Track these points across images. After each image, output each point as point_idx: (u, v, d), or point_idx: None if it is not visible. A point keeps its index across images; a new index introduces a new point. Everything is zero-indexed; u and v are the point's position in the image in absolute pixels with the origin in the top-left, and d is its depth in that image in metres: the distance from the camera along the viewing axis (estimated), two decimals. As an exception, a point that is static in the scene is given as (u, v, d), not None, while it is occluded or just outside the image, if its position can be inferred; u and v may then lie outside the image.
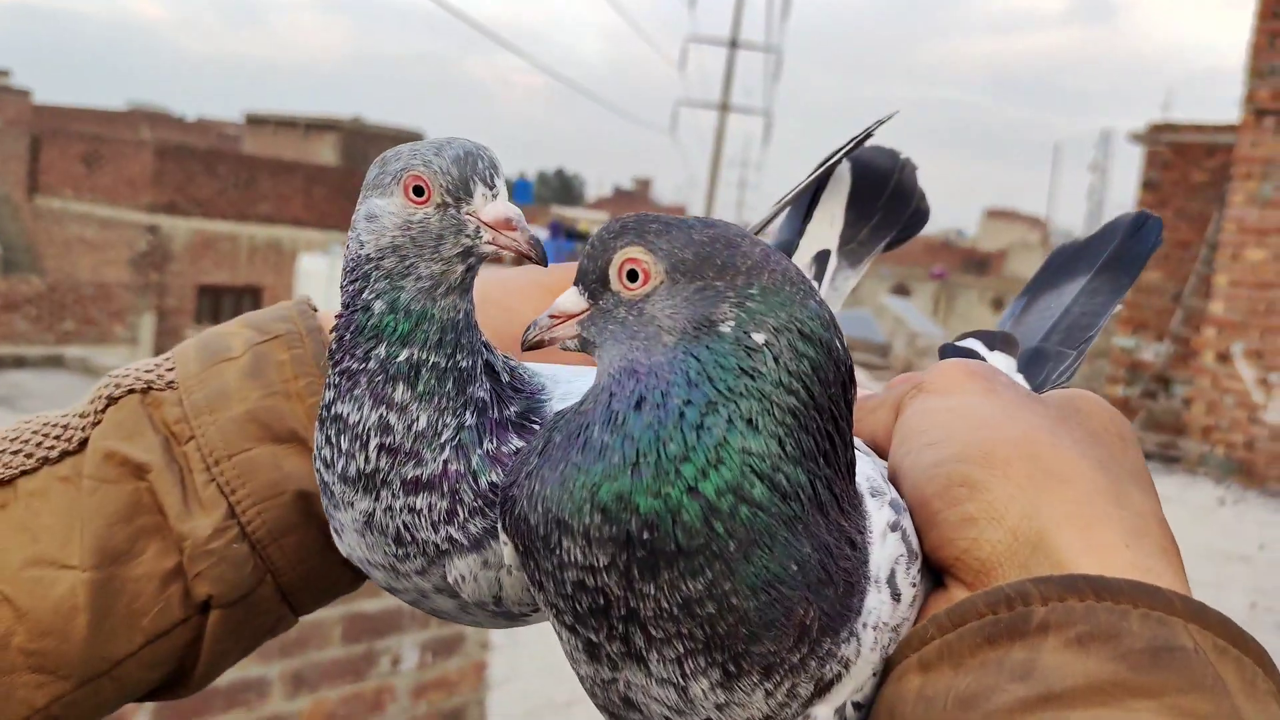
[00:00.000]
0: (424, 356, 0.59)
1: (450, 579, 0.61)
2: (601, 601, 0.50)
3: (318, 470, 0.62)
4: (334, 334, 0.60)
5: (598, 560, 0.50)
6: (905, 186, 0.89)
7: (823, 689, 0.52)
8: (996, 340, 0.76)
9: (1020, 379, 0.72)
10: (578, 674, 0.55)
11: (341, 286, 0.61)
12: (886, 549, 0.54)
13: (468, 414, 0.60)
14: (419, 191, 0.58)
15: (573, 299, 0.57)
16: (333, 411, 0.60)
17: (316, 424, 0.62)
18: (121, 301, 18.46)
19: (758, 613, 0.49)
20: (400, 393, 0.58)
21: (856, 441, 0.61)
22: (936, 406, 0.59)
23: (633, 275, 0.55)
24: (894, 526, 0.55)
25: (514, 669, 4.39)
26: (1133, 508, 0.51)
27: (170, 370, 0.69)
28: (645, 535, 0.49)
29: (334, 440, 0.60)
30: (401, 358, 0.59)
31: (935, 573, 0.55)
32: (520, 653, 4.41)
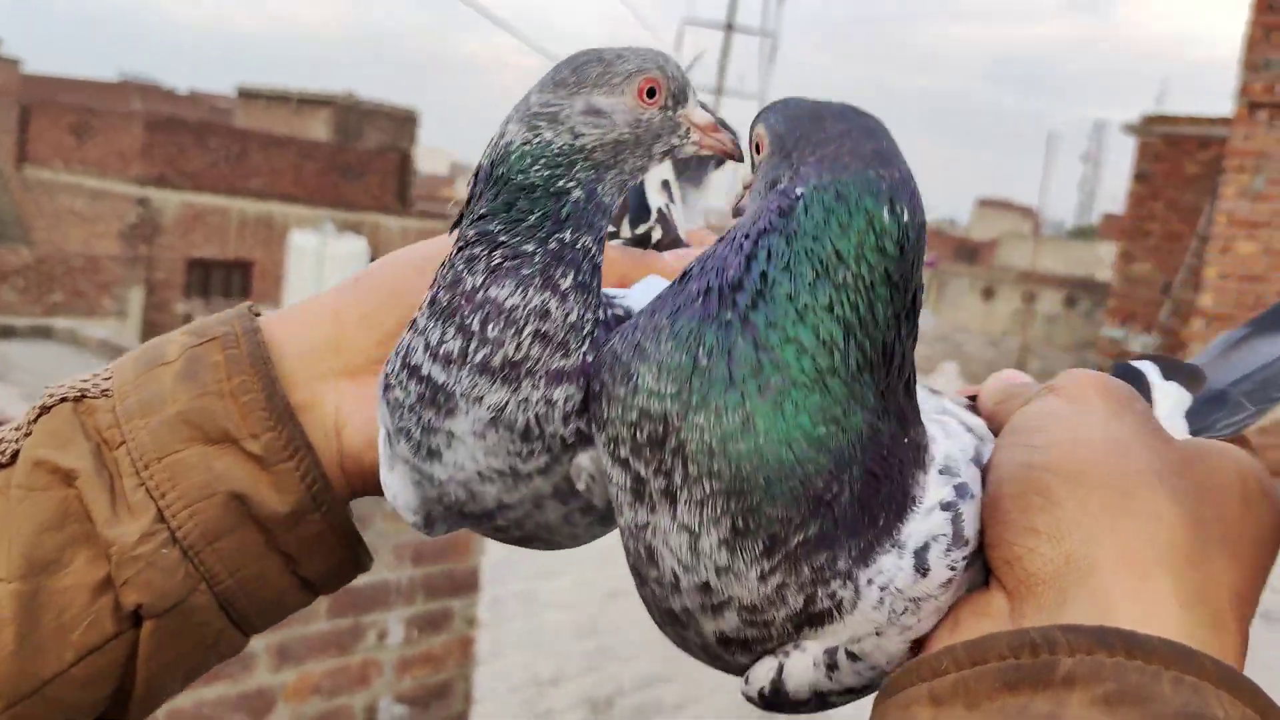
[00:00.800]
0: (592, 247, 0.61)
1: (573, 473, 0.62)
2: (660, 430, 0.52)
3: (422, 374, 0.61)
4: (484, 216, 0.61)
5: (666, 387, 0.52)
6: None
7: (814, 618, 0.53)
8: (1179, 371, 0.71)
9: (1181, 422, 0.68)
10: (620, 525, 0.57)
11: (506, 173, 0.61)
12: (929, 523, 0.55)
13: (601, 309, 0.62)
14: (651, 93, 0.63)
15: (747, 172, 0.63)
16: (479, 296, 0.59)
17: (427, 320, 0.62)
18: (110, 274, 18.39)
19: (779, 464, 0.51)
20: (569, 280, 0.60)
21: (975, 422, 0.64)
22: (1055, 411, 0.57)
23: (758, 146, 0.61)
24: (946, 506, 0.55)
25: (500, 645, 4.41)
26: (1209, 573, 0.49)
27: (107, 379, 0.68)
28: (705, 362, 0.52)
29: (475, 328, 0.60)
30: (580, 245, 0.60)
31: (987, 570, 0.55)
32: (506, 629, 4.43)
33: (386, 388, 0.64)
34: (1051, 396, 0.59)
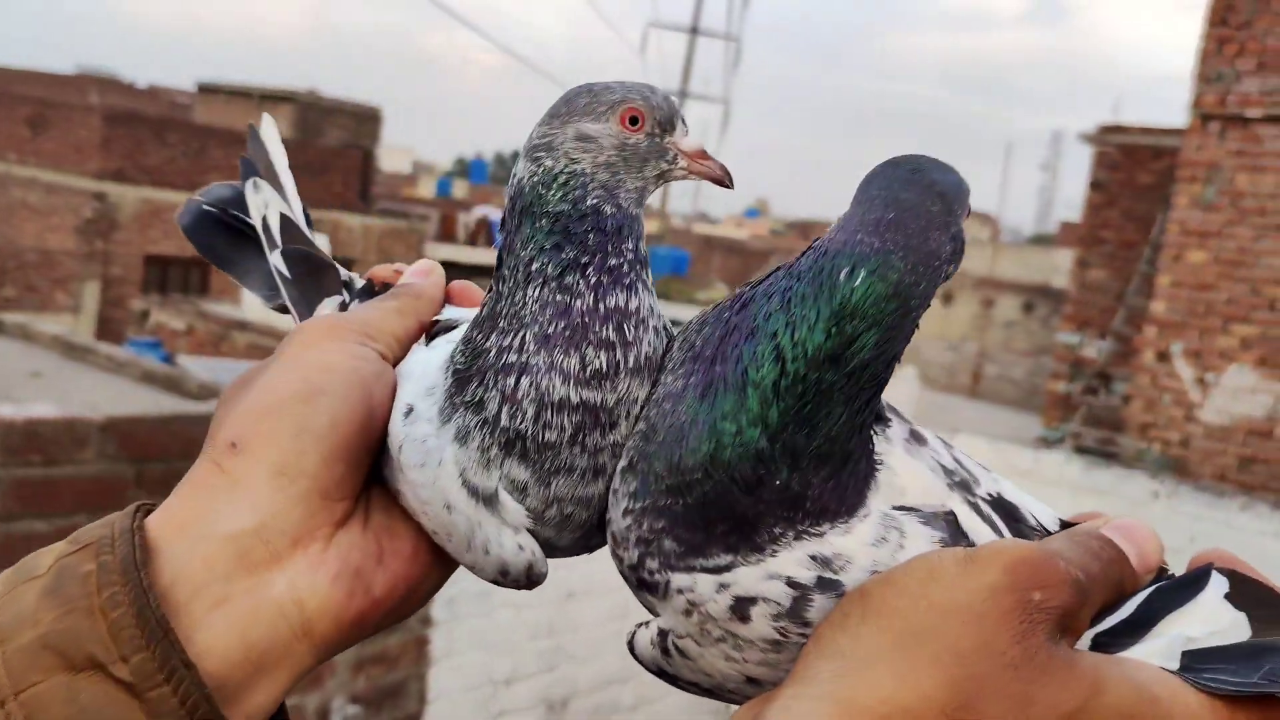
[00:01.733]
0: (643, 251, 0.67)
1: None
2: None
3: (573, 402, 0.63)
4: (552, 248, 0.65)
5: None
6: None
7: (643, 584, 0.61)
8: (1256, 603, 0.57)
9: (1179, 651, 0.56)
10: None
11: (528, 205, 0.66)
12: (764, 585, 0.58)
13: None
14: (634, 121, 0.67)
15: None
16: (603, 308, 0.64)
17: (548, 354, 0.64)
18: (66, 269, 18.10)
19: (696, 444, 0.57)
20: (649, 279, 0.68)
21: (1037, 511, 0.64)
22: (929, 571, 0.55)
23: None
24: (793, 584, 0.58)
25: (454, 645, 4.39)
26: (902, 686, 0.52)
27: None
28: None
29: (614, 337, 0.64)
30: (642, 250, 0.67)
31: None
32: (461, 628, 4.42)
33: (525, 439, 0.65)
34: (958, 551, 0.57)
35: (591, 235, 0.65)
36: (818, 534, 0.57)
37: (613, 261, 0.65)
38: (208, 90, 26.52)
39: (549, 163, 0.66)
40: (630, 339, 0.65)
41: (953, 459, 0.65)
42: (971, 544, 0.59)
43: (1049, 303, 19.23)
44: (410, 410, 0.70)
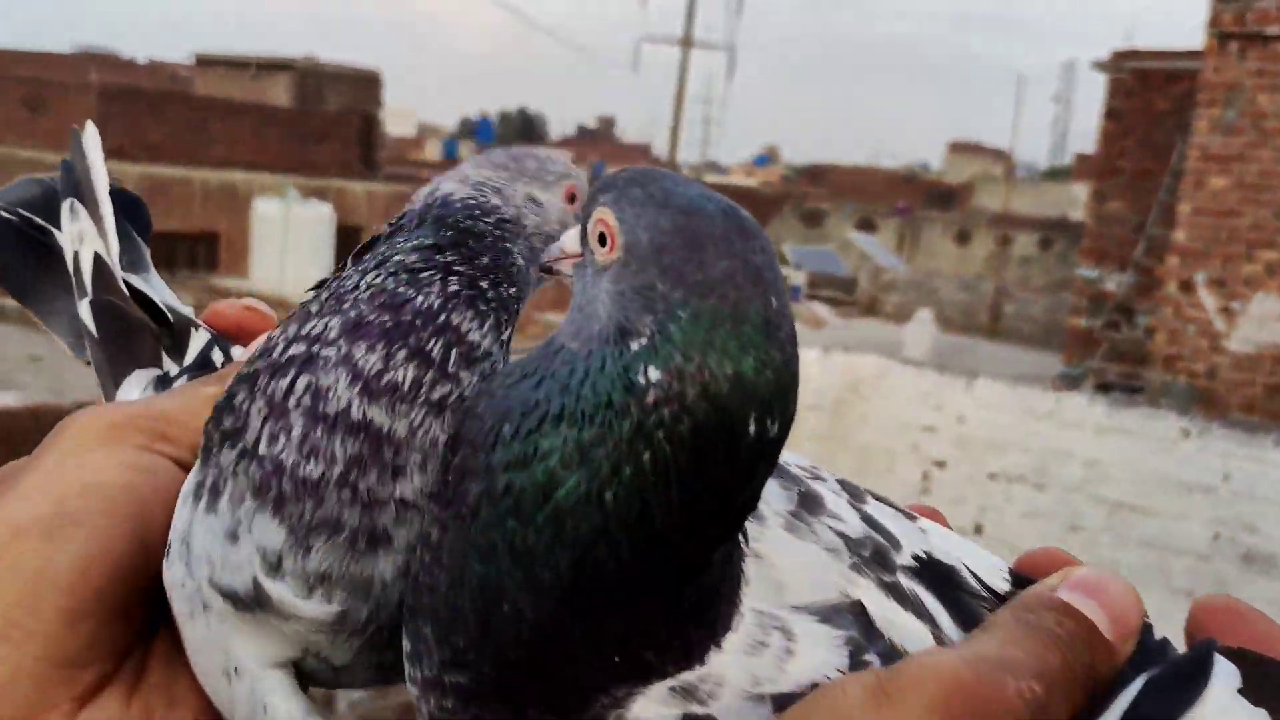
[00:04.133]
0: (515, 318, 0.58)
1: None
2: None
3: (353, 420, 0.50)
4: (430, 246, 0.56)
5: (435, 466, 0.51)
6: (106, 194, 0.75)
7: None
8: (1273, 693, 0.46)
9: None
10: None
11: (445, 215, 0.58)
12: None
13: None
14: (572, 199, 0.63)
15: (573, 239, 0.54)
16: (440, 321, 0.53)
17: (340, 343, 0.51)
18: (71, 250, 18.05)
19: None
20: (507, 334, 0.58)
21: (892, 615, 0.50)
22: (837, 706, 0.43)
23: (602, 239, 0.47)
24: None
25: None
26: None
27: None
28: (451, 474, 0.48)
29: (437, 357, 0.52)
30: (519, 306, 0.58)
31: None
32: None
33: (282, 474, 0.50)
34: (873, 685, 0.42)
35: (486, 258, 0.56)
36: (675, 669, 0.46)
37: (483, 284, 0.55)
38: (206, 62, 26.35)
39: (495, 200, 0.60)
40: (450, 370, 0.51)
41: (860, 520, 0.53)
42: (887, 648, 0.48)
43: (1066, 237, 19.00)
44: (170, 546, 0.54)
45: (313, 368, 0.50)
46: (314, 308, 0.53)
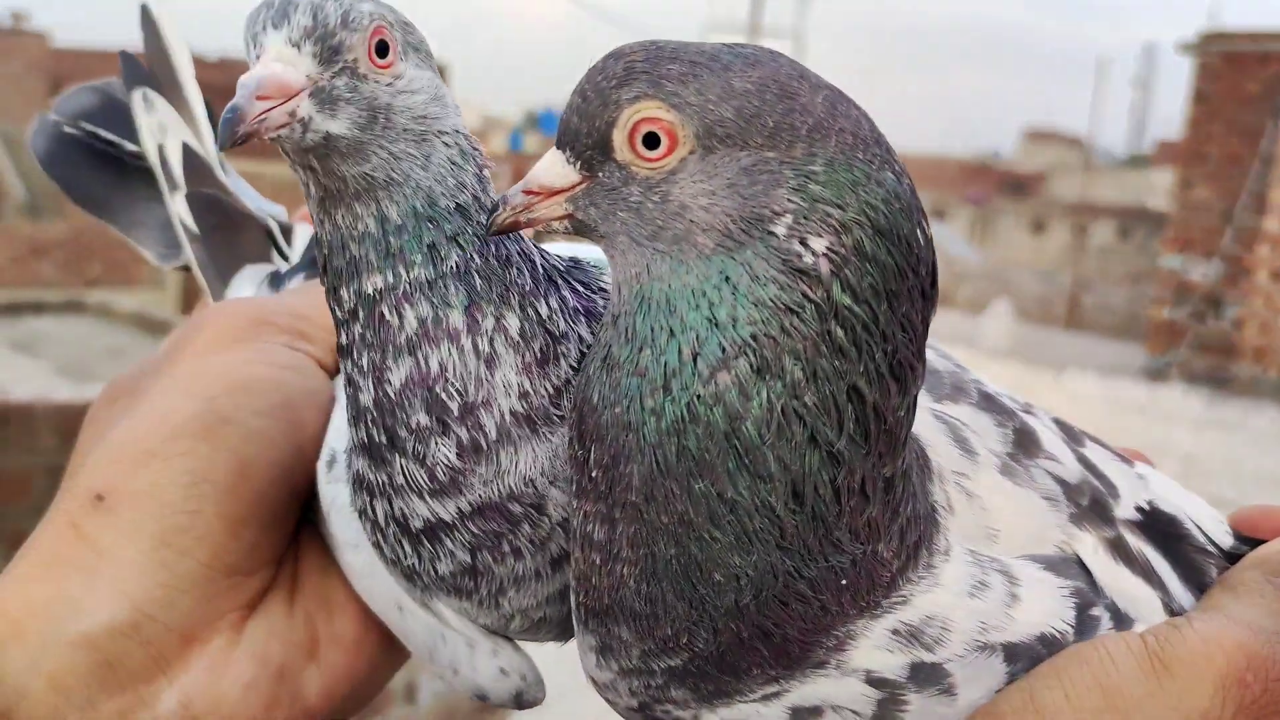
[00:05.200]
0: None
1: None
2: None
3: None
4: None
5: (568, 464, 0.47)
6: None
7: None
8: None
9: None
10: None
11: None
12: (838, 687, 0.42)
13: None
14: (383, 50, 0.49)
15: (557, 169, 0.44)
16: (419, 371, 0.48)
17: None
18: (147, 244, 18.45)
19: (634, 598, 0.43)
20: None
21: (1116, 578, 0.46)
22: (1116, 691, 0.39)
23: (651, 141, 0.41)
24: (876, 682, 0.42)
25: None
26: None
27: None
28: (594, 469, 0.43)
29: (424, 414, 0.47)
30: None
31: None
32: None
33: (419, 575, 0.48)
34: (1144, 654, 0.39)
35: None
36: (897, 600, 0.43)
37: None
38: (276, 58, 26.84)
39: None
40: (471, 399, 0.45)
41: (1078, 463, 0.49)
42: (1111, 606, 0.44)
43: (1146, 225, 18.58)
44: (333, 459, 0.51)
45: (384, 498, 0.48)
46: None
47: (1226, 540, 0.51)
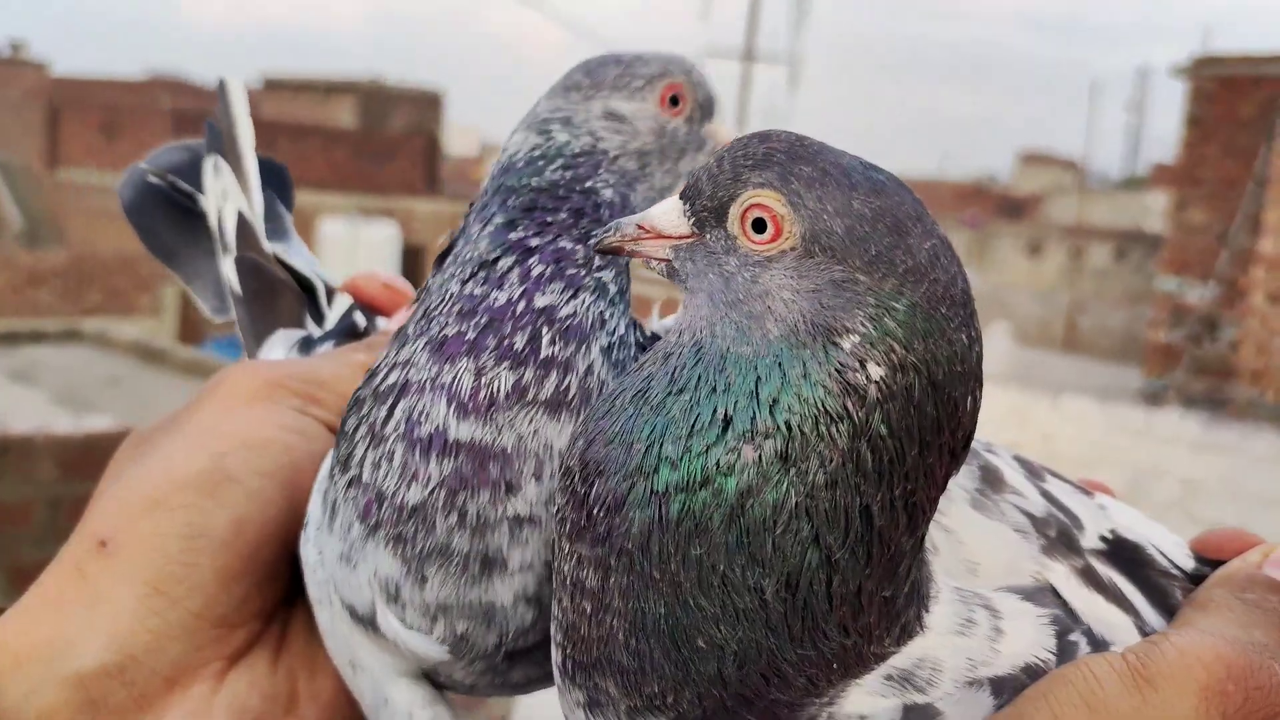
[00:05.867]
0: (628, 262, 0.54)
1: None
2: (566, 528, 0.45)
3: (450, 440, 0.47)
4: (503, 224, 0.51)
5: (557, 496, 0.46)
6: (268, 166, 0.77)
7: None
8: None
9: None
10: None
11: (514, 183, 0.53)
12: None
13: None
14: (675, 101, 0.56)
15: (673, 216, 0.47)
16: (534, 305, 0.49)
17: (429, 364, 0.48)
18: (146, 272, 18.45)
19: (623, 651, 0.43)
20: (617, 286, 0.54)
21: (1089, 604, 0.48)
22: (1104, 709, 0.40)
23: (760, 225, 0.44)
24: None
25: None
26: None
27: None
28: (594, 509, 0.43)
29: (527, 350, 0.48)
30: (616, 261, 0.53)
31: None
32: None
33: (383, 502, 0.47)
34: (1127, 671, 0.40)
35: (562, 212, 0.51)
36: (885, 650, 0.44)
37: (565, 245, 0.50)
38: (274, 85, 26.86)
39: (563, 137, 0.54)
40: (552, 355, 0.47)
41: (1041, 497, 0.51)
42: (1088, 631, 0.46)
43: (1142, 248, 18.63)
44: (307, 524, 0.53)
45: (408, 394, 0.48)
46: (410, 329, 0.50)
47: (1189, 564, 0.53)
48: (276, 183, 0.77)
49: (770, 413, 0.42)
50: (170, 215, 0.74)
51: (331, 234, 17.85)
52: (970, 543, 0.48)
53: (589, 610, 0.44)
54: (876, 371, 0.42)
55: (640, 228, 0.47)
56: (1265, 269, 9.79)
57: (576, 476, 0.45)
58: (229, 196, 0.70)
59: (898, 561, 0.43)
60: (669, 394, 0.44)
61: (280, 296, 0.69)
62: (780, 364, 0.42)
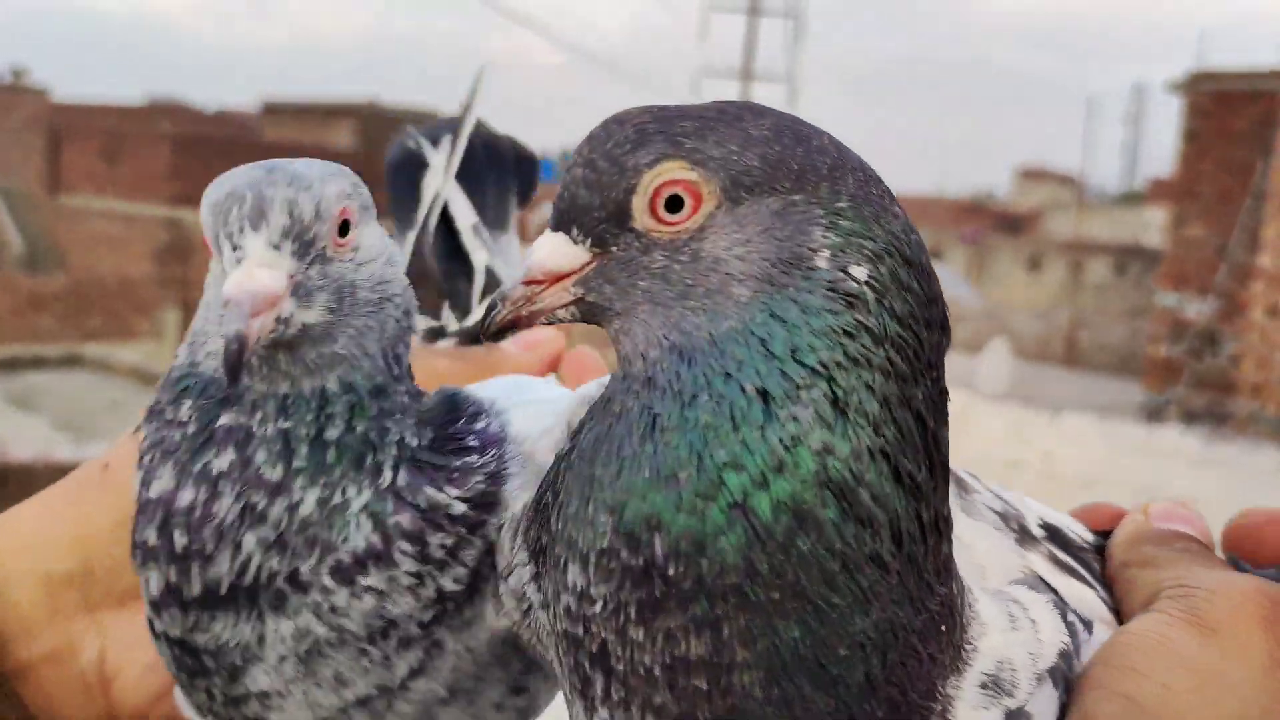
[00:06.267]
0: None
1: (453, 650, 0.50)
2: (581, 632, 0.40)
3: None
4: None
5: (598, 591, 0.39)
6: (499, 145, 0.80)
7: None
8: None
9: None
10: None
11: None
12: None
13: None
14: (344, 229, 0.51)
15: (563, 250, 0.42)
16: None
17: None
18: (146, 296, 18.47)
19: (764, 708, 0.37)
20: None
21: (1076, 598, 0.47)
22: (1179, 647, 0.41)
23: (675, 204, 0.40)
24: None
25: None
26: None
27: None
28: (668, 568, 0.38)
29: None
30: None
31: None
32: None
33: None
34: (1184, 619, 0.42)
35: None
36: (969, 649, 0.42)
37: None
38: (273, 109, 26.94)
39: (186, 359, 0.55)
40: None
41: (996, 497, 0.51)
42: (1074, 610, 0.46)
43: (1142, 262, 18.63)
44: None
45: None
46: None
47: (1090, 537, 0.53)
48: (523, 174, 0.80)
49: (796, 361, 0.39)
50: (408, 182, 0.77)
51: (331, 257, 17.87)
52: (970, 545, 0.47)
53: (706, 686, 0.38)
54: (861, 272, 0.40)
55: (530, 283, 0.42)
56: (1264, 283, 9.79)
57: (623, 553, 0.39)
58: (434, 175, 0.73)
59: (947, 463, 0.42)
60: (685, 408, 0.39)
61: (424, 285, 0.68)
62: (773, 314, 0.39)
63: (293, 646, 0.47)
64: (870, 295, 0.40)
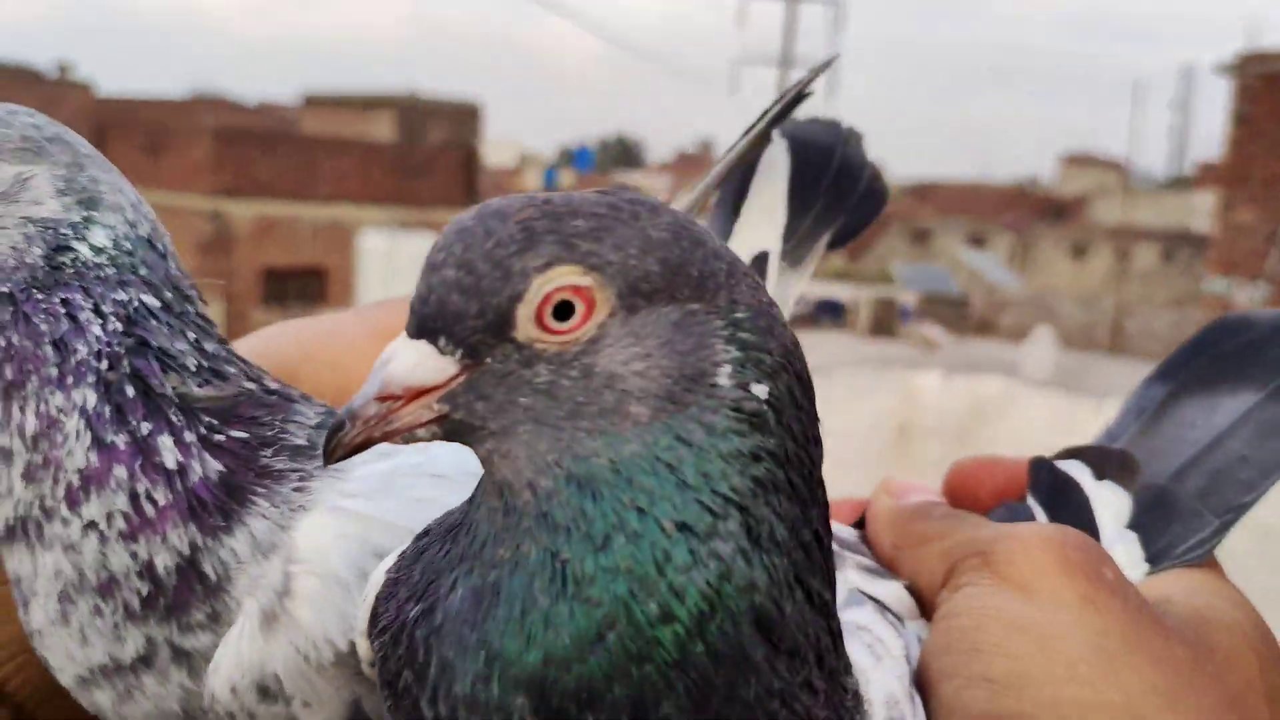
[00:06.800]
0: None
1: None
2: None
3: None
4: None
5: None
6: (851, 164, 0.69)
7: None
8: (1109, 462, 0.57)
9: (1132, 547, 0.53)
10: None
11: None
12: None
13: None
14: None
15: (428, 363, 0.37)
16: None
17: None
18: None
19: None
20: None
21: (895, 606, 0.48)
22: (1007, 614, 0.43)
23: (564, 311, 0.36)
24: None
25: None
26: None
27: None
28: None
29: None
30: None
31: None
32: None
33: None
34: (992, 582, 0.44)
35: None
36: (868, 709, 0.42)
37: None
38: (314, 101, 27.21)
39: None
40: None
41: None
42: (886, 606, 0.48)
43: (1190, 248, 18.37)
44: None
45: None
46: None
47: (854, 531, 0.55)
48: (856, 211, 0.70)
49: (709, 490, 0.35)
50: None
51: (371, 247, 17.99)
52: None
53: None
54: (761, 390, 0.37)
55: (384, 398, 0.37)
56: (1317, 269, 9.57)
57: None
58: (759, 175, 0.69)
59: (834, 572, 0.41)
60: (599, 550, 0.35)
61: None
62: (679, 437, 0.36)
63: (52, 586, 0.48)
64: (771, 416, 0.37)
